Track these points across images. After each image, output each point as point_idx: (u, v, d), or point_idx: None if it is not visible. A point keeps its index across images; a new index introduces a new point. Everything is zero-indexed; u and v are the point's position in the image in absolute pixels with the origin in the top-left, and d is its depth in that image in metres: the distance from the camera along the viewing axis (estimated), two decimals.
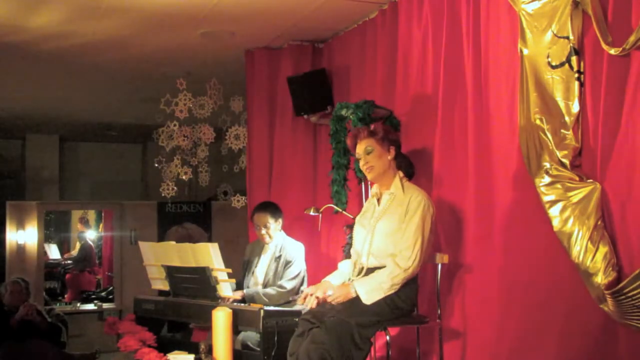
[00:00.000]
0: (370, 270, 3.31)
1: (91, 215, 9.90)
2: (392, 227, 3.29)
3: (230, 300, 4.16)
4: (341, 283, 3.41)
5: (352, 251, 3.55)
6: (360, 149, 3.42)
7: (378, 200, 3.47)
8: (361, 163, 3.42)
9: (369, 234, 3.36)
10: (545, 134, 3.15)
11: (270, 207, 4.54)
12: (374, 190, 3.55)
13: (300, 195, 5.35)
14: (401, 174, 3.44)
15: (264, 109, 5.63)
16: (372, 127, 3.44)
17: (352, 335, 3.06)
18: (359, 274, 3.37)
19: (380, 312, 3.18)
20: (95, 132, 9.49)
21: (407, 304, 3.31)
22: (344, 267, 3.57)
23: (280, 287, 4.32)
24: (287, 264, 4.39)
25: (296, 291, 4.35)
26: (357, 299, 3.19)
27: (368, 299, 3.16)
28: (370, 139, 3.39)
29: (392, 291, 3.19)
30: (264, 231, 4.46)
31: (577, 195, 2.96)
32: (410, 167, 3.56)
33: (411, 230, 3.23)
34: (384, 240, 3.30)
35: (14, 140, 9.40)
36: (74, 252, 9.85)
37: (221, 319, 3.56)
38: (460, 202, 3.81)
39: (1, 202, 8.28)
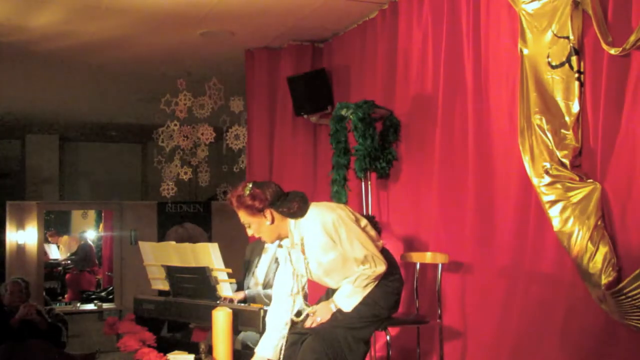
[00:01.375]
0: None
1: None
2: (331, 261, 3.08)
3: (235, 301, 4.16)
4: (325, 302, 3.21)
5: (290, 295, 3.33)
6: (240, 219, 3.13)
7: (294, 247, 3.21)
8: (248, 232, 3.16)
9: (321, 281, 3.21)
10: (545, 134, 3.15)
11: None
12: (284, 244, 3.22)
13: None
14: (291, 220, 3.08)
15: (264, 109, 5.63)
16: (234, 201, 3.08)
17: (346, 337, 3.05)
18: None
19: (366, 313, 3.12)
20: (95, 132, 9.48)
21: (386, 303, 3.18)
22: (277, 321, 3.28)
23: None
24: None
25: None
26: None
27: (349, 306, 3.07)
28: (241, 211, 3.08)
29: (369, 289, 3.07)
30: None
31: (577, 195, 2.96)
32: (291, 208, 3.08)
33: (349, 249, 3.03)
34: (337, 275, 3.14)
35: (14, 140, 9.40)
36: (60, 243, 9.83)
37: (221, 319, 3.56)
38: (460, 202, 3.81)
39: (1, 202, 8.29)
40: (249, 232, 3.13)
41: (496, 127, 3.57)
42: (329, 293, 3.25)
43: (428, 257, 3.72)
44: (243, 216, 3.09)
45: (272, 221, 3.07)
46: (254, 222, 3.08)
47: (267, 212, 3.06)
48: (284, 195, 3.11)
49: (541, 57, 3.18)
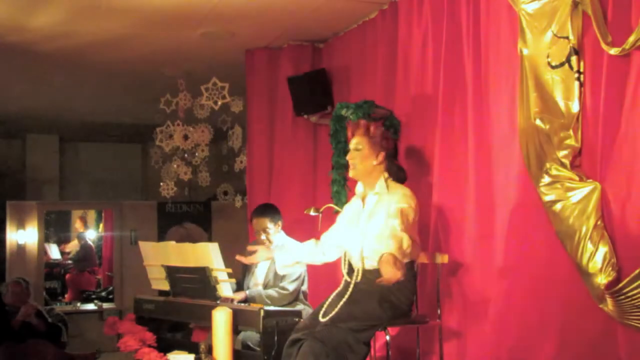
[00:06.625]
0: (368, 272, 3.27)
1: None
2: (381, 229, 3.19)
3: (235, 301, 4.16)
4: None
5: (338, 246, 3.52)
6: (352, 143, 3.40)
7: (363, 199, 3.41)
8: (348, 156, 3.42)
9: (360, 236, 3.30)
10: (545, 134, 3.15)
11: (269, 211, 4.51)
12: (358, 189, 3.49)
13: (300, 195, 5.35)
14: (386, 174, 3.38)
15: (264, 109, 5.63)
16: (372, 127, 3.39)
17: (346, 339, 3.04)
18: (349, 273, 3.35)
19: (374, 314, 3.15)
20: (95, 132, 9.48)
21: (403, 303, 3.28)
22: (306, 248, 3.64)
23: (282, 289, 4.32)
24: None
25: (297, 292, 4.35)
26: (348, 306, 3.17)
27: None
28: (364, 138, 3.36)
29: None
30: (264, 236, 4.46)
31: (577, 195, 2.96)
32: (399, 172, 3.46)
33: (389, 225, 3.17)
34: (376, 243, 3.19)
35: (14, 140, 9.40)
36: (68, 249, 9.84)
37: (221, 319, 3.56)
38: (460, 202, 3.81)
39: (1, 202, 8.28)
40: (349, 156, 3.37)
41: (496, 127, 3.57)
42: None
43: (428, 257, 3.72)
44: (362, 141, 3.34)
45: (380, 163, 3.34)
46: (366, 151, 3.33)
47: (382, 156, 3.34)
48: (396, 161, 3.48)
49: (541, 57, 3.18)
